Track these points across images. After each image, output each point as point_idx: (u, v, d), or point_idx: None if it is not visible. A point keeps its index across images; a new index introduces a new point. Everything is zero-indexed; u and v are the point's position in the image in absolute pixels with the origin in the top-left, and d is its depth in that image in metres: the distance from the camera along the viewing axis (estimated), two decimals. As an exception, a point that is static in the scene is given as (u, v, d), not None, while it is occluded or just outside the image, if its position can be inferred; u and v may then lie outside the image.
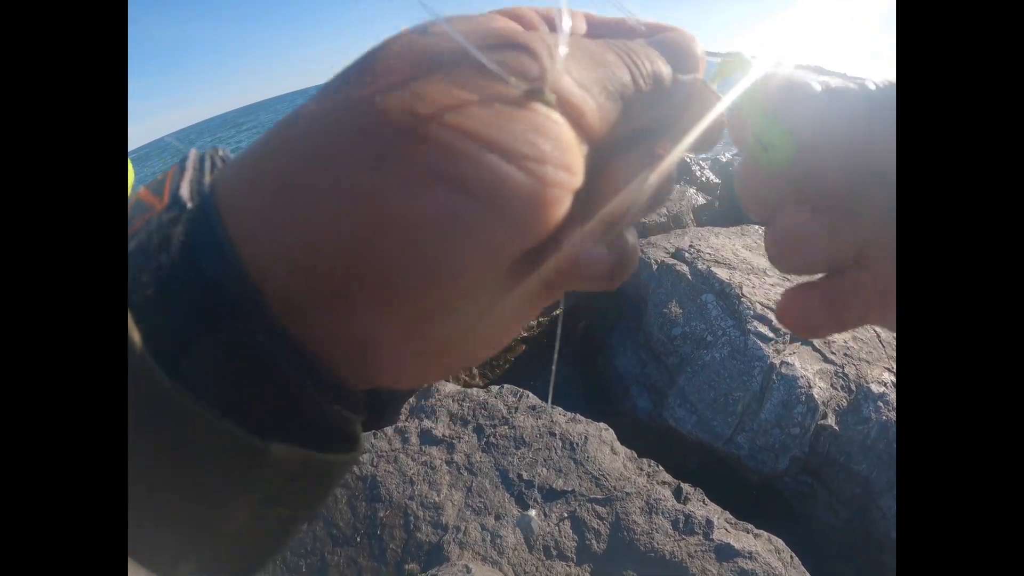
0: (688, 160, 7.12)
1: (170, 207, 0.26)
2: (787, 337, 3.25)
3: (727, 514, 2.41)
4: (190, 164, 0.29)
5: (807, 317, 0.40)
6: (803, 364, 3.09)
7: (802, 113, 0.34)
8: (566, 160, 0.26)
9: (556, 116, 0.26)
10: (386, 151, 0.25)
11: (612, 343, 4.11)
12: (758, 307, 3.43)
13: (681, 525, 2.34)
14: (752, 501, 2.89)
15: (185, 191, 0.27)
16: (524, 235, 0.26)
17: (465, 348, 0.32)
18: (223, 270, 0.25)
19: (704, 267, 3.86)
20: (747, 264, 3.94)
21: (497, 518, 2.48)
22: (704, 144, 0.37)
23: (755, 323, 3.34)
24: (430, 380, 0.39)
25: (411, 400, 3.23)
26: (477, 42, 0.27)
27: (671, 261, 4.07)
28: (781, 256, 0.37)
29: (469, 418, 2.99)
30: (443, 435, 2.91)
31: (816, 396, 2.93)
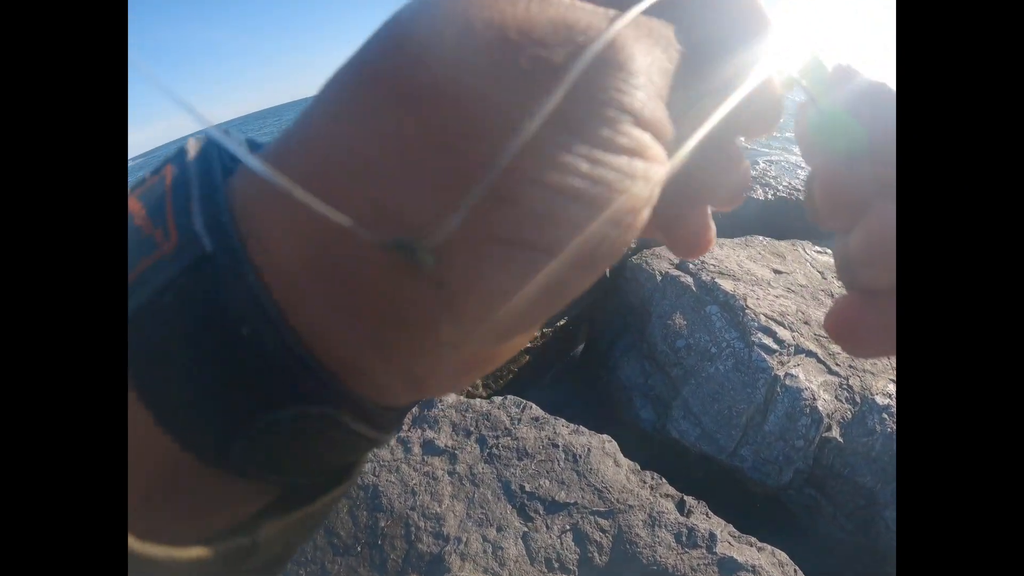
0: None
1: (181, 250, 0.21)
2: (791, 349, 3.24)
3: (731, 527, 2.39)
4: (194, 174, 0.23)
5: (864, 332, 0.35)
6: (807, 376, 3.07)
7: (884, 114, 0.32)
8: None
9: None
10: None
11: (616, 354, 4.09)
12: (762, 319, 3.41)
13: (684, 538, 2.32)
14: (756, 514, 2.87)
15: (199, 223, 0.21)
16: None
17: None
18: (270, 339, 0.20)
19: (708, 278, 3.85)
20: (751, 275, 3.93)
21: (499, 530, 2.46)
22: (760, 123, 0.34)
23: (759, 335, 3.33)
24: (473, 380, 0.38)
25: (414, 410, 3.22)
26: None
27: (675, 272, 4.07)
28: (882, 256, 0.32)
29: (472, 429, 2.97)
30: (445, 445, 2.90)
31: (820, 408, 2.92)
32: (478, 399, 3.19)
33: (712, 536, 2.30)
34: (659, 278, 4.13)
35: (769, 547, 2.31)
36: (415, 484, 2.73)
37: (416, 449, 2.92)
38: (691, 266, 4.07)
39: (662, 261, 4.30)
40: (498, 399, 3.14)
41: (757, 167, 7.22)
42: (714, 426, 3.17)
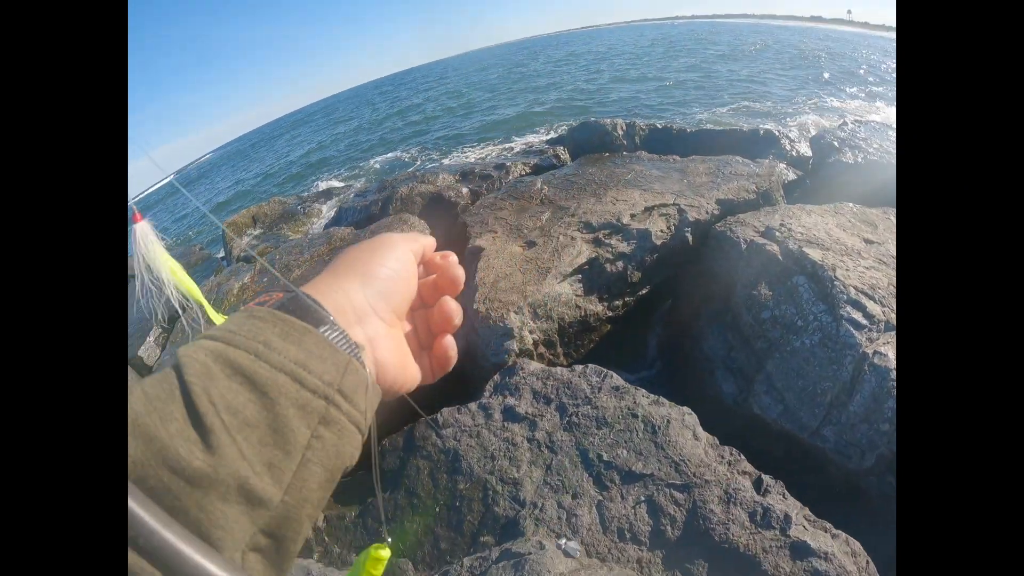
0: (776, 132, 6.83)
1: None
2: (881, 325, 3.11)
3: (806, 510, 2.37)
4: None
5: None
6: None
7: None
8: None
9: None
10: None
11: (700, 324, 4.04)
12: (852, 291, 3.28)
13: (759, 518, 2.32)
14: (834, 498, 2.82)
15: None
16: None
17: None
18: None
19: (795, 247, 3.73)
20: (841, 244, 3.78)
21: (574, 497, 2.53)
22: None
23: (848, 308, 3.21)
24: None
25: (495, 377, 3.30)
26: None
27: (761, 240, 3.96)
28: None
29: (552, 396, 3.04)
30: (526, 412, 2.97)
31: (910, 393, 2.82)
32: (559, 367, 3.24)
33: (787, 518, 2.29)
34: (744, 245, 4.03)
35: (843, 535, 2.29)
36: (495, 449, 2.82)
37: (497, 415, 3.01)
38: (777, 233, 3.94)
39: (747, 228, 4.19)
40: (579, 367, 3.18)
41: (845, 128, 6.85)
42: (797, 403, 3.12)
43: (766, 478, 2.52)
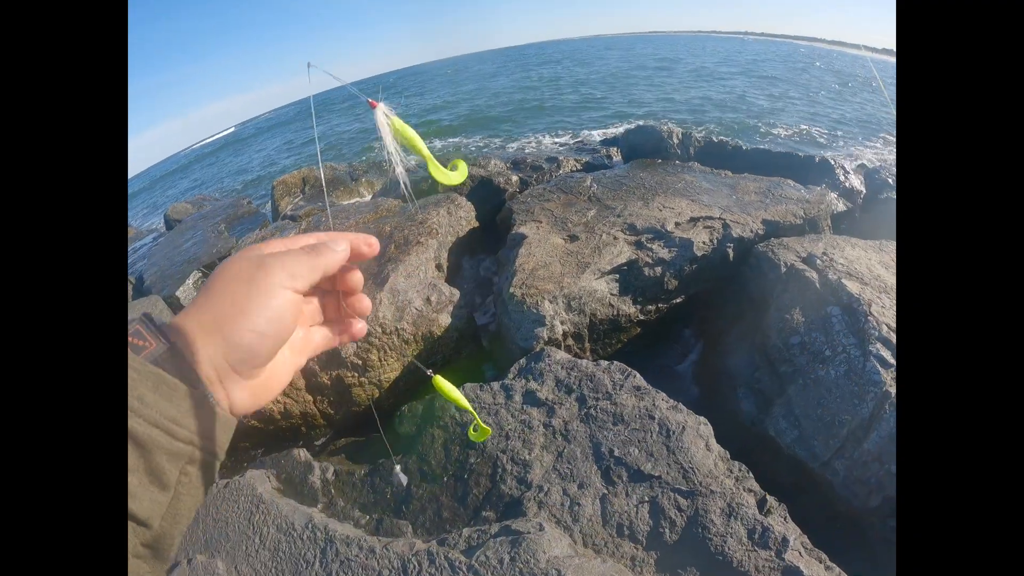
0: (832, 162, 6.74)
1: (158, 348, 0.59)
2: (911, 369, 3.10)
3: (804, 537, 2.39)
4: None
5: None
6: (922, 402, 2.95)
7: None
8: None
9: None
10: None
11: (729, 340, 4.06)
12: (884, 329, 3.27)
13: (757, 536, 2.35)
14: (834, 533, 2.82)
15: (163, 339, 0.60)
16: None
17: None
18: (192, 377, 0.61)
19: (835, 277, 3.72)
20: (881, 282, 3.76)
21: (580, 487, 2.59)
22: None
23: (878, 345, 3.20)
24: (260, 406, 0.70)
25: (521, 361, 3.36)
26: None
27: (801, 266, 3.95)
28: None
29: (574, 387, 3.09)
30: (546, 398, 3.03)
31: (928, 439, 2.80)
32: (586, 360, 3.28)
33: (784, 541, 2.31)
34: (783, 269, 4.02)
35: (838, 569, 2.30)
36: (510, 429, 2.89)
37: (517, 397, 3.07)
38: (818, 262, 3.93)
39: (789, 252, 4.18)
40: (604, 363, 3.24)
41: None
42: (812, 432, 3.13)
43: (770, 499, 2.55)
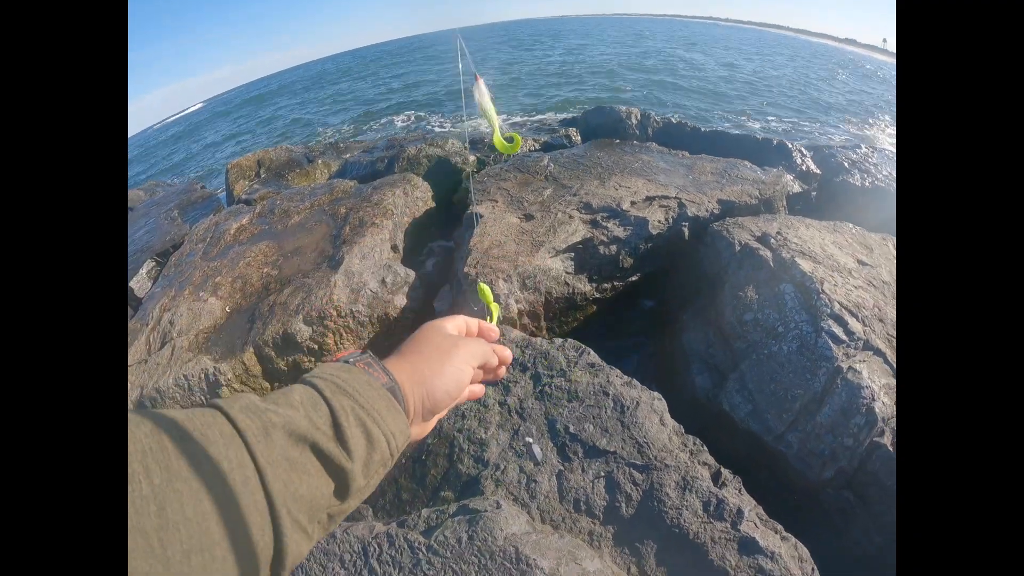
0: (789, 145, 6.85)
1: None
2: (859, 343, 3.15)
3: (759, 509, 2.42)
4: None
5: None
6: (871, 375, 3.01)
7: None
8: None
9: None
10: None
11: (684, 317, 4.08)
12: (836, 306, 3.32)
13: (712, 508, 2.37)
14: (789, 504, 2.87)
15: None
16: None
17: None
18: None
19: (788, 256, 3.76)
20: (833, 261, 3.82)
21: (536, 464, 2.58)
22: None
23: (830, 322, 3.26)
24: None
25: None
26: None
27: (755, 244, 3.99)
28: None
29: (528, 365, 3.07)
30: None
31: (877, 411, 2.86)
32: (540, 338, 3.27)
33: (739, 512, 2.34)
34: (737, 248, 4.06)
35: (793, 539, 2.33)
36: (466, 408, 2.86)
37: (472, 375, 3.04)
38: (772, 241, 3.98)
39: (743, 231, 4.21)
40: (559, 340, 3.22)
41: (858, 150, 6.86)
42: (766, 406, 3.17)
43: (725, 472, 2.57)
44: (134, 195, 12.59)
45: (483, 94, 0.99)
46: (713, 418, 3.38)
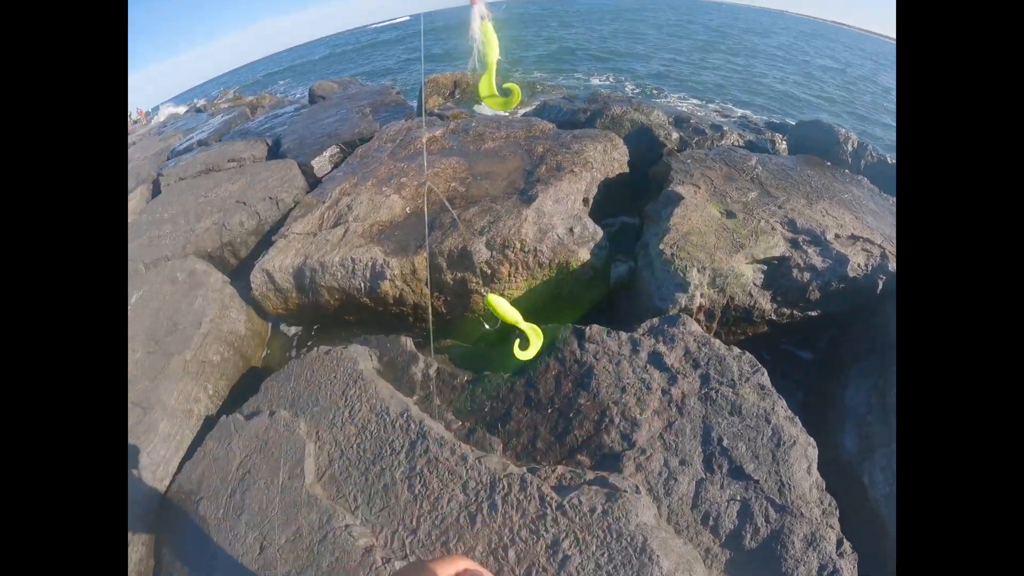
0: None
1: None
2: None
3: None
4: None
5: None
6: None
7: None
8: None
9: None
10: None
11: (851, 372, 3.94)
12: None
13: (827, 574, 2.33)
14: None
15: None
16: None
17: None
18: None
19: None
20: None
21: (682, 463, 2.62)
22: None
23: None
24: None
25: (654, 320, 3.36)
26: None
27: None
28: None
29: (702, 363, 3.08)
30: (671, 365, 3.03)
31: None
32: (719, 341, 3.24)
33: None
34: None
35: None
36: (628, 383, 2.92)
37: (643, 355, 3.09)
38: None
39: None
40: (737, 350, 3.19)
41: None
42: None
43: (847, 543, 2.52)
44: (328, 86, 13.31)
45: (480, 22, 0.80)
46: (847, 484, 3.30)
